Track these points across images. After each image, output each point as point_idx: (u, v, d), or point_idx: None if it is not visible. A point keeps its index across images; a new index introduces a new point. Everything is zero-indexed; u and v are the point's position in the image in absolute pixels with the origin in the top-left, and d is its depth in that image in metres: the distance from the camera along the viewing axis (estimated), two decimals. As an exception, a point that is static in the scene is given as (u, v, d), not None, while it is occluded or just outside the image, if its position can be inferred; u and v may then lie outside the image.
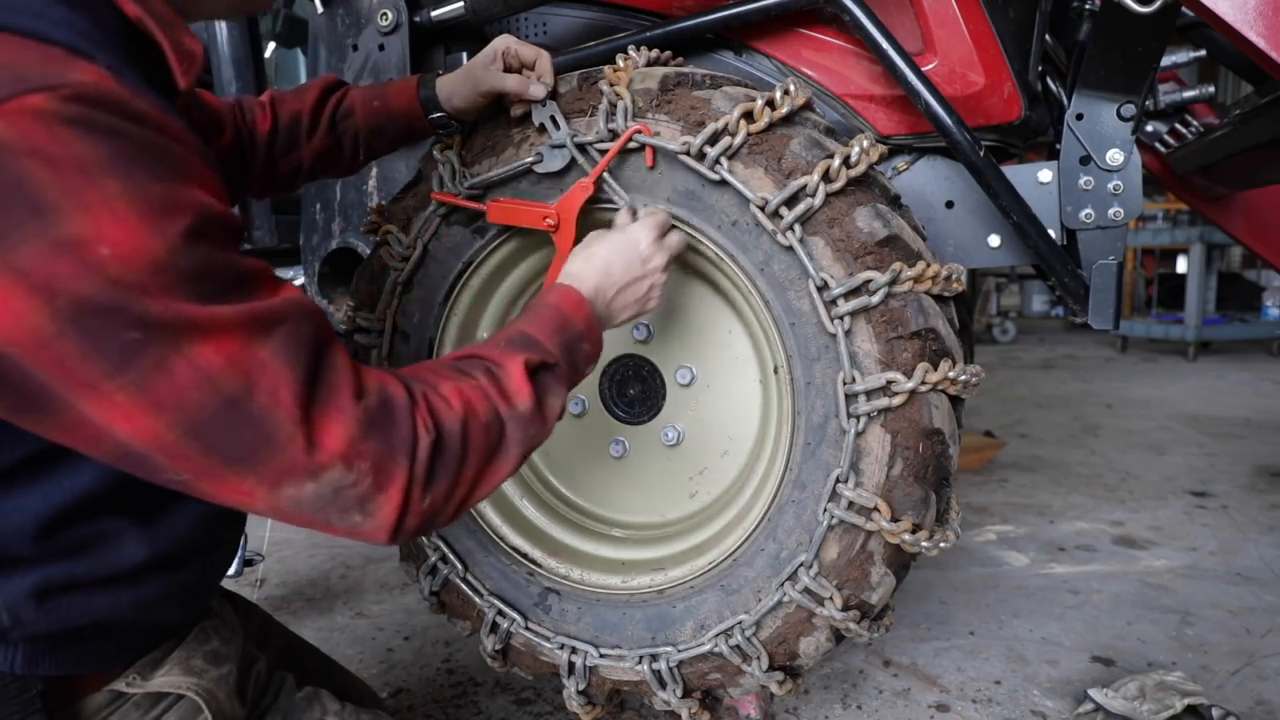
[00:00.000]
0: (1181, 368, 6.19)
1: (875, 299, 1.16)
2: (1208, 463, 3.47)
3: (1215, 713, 1.50)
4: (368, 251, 1.75)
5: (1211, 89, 2.02)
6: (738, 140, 1.18)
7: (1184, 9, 1.17)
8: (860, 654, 1.87)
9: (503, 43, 1.27)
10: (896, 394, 1.17)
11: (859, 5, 1.26)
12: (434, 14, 1.56)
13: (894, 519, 1.20)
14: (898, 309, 1.18)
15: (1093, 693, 1.59)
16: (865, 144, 1.21)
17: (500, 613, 1.42)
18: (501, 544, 1.46)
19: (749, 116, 1.19)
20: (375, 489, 0.73)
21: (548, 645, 1.40)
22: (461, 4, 1.51)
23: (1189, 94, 2.04)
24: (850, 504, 1.20)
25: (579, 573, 1.45)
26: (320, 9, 1.71)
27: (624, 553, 1.51)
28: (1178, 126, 2.12)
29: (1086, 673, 1.78)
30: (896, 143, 1.42)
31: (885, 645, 1.91)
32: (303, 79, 2.51)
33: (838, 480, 1.21)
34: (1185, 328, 6.46)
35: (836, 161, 1.18)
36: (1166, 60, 1.86)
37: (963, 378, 1.21)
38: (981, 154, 1.27)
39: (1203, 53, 1.94)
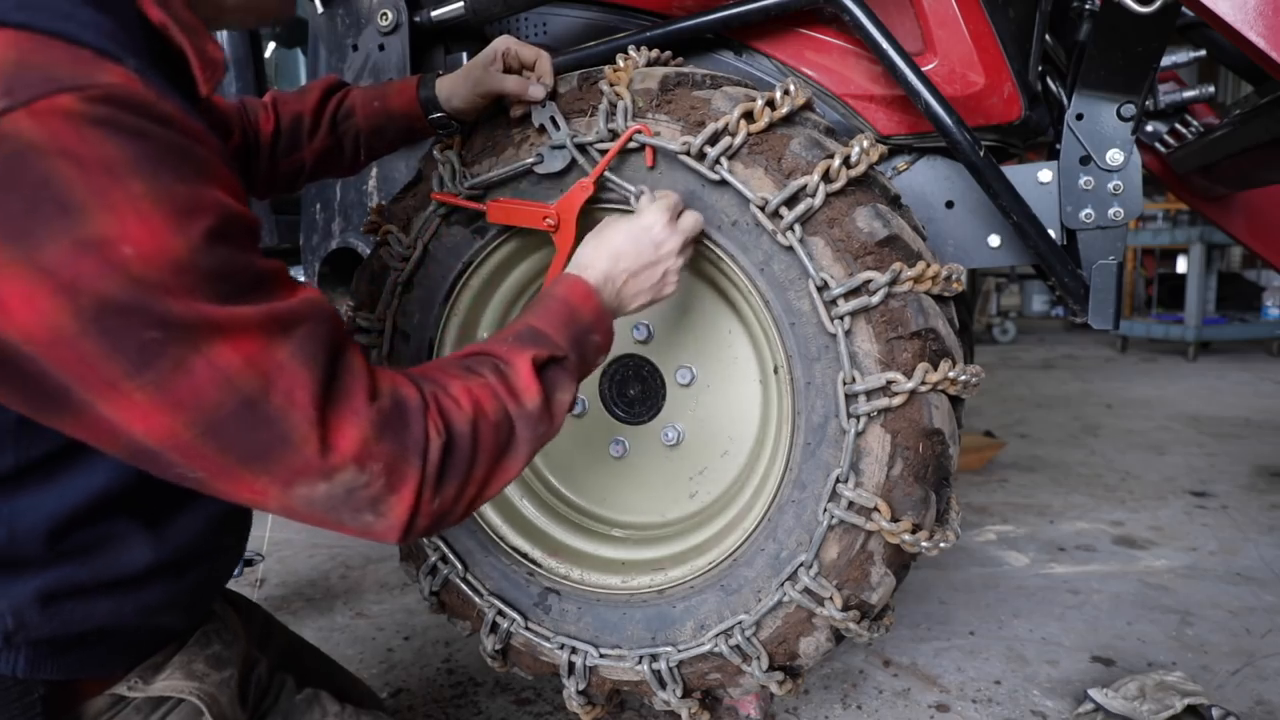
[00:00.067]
0: (1181, 368, 6.19)
1: (875, 299, 1.16)
2: (1208, 463, 3.47)
3: (1215, 713, 1.50)
4: (368, 251, 1.75)
5: (1211, 89, 2.02)
6: (738, 140, 1.18)
7: (1184, 9, 1.17)
8: (860, 654, 1.87)
9: (503, 43, 1.27)
10: (896, 394, 1.17)
11: (859, 5, 1.26)
12: (434, 14, 1.56)
13: (894, 519, 1.20)
14: (898, 309, 1.18)
15: (1093, 693, 1.59)
16: (865, 144, 1.21)
17: (500, 613, 1.42)
18: (501, 544, 1.46)
19: (749, 116, 1.19)
20: (387, 490, 0.74)
21: (548, 645, 1.40)
22: (461, 4, 1.51)
23: (1189, 94, 2.04)
24: (850, 504, 1.20)
25: (579, 573, 1.45)
26: (320, 9, 1.71)
27: (624, 553, 1.51)
28: (1178, 126, 2.12)
29: (1086, 673, 1.78)
30: (896, 143, 1.42)
31: (885, 645, 1.91)
32: (303, 79, 2.52)
33: (838, 480, 1.21)
34: (1185, 328, 6.46)
35: (836, 161, 1.18)
36: (1166, 60, 1.86)
37: (963, 378, 1.21)
38: (981, 154, 1.27)
39: (1203, 53, 1.94)
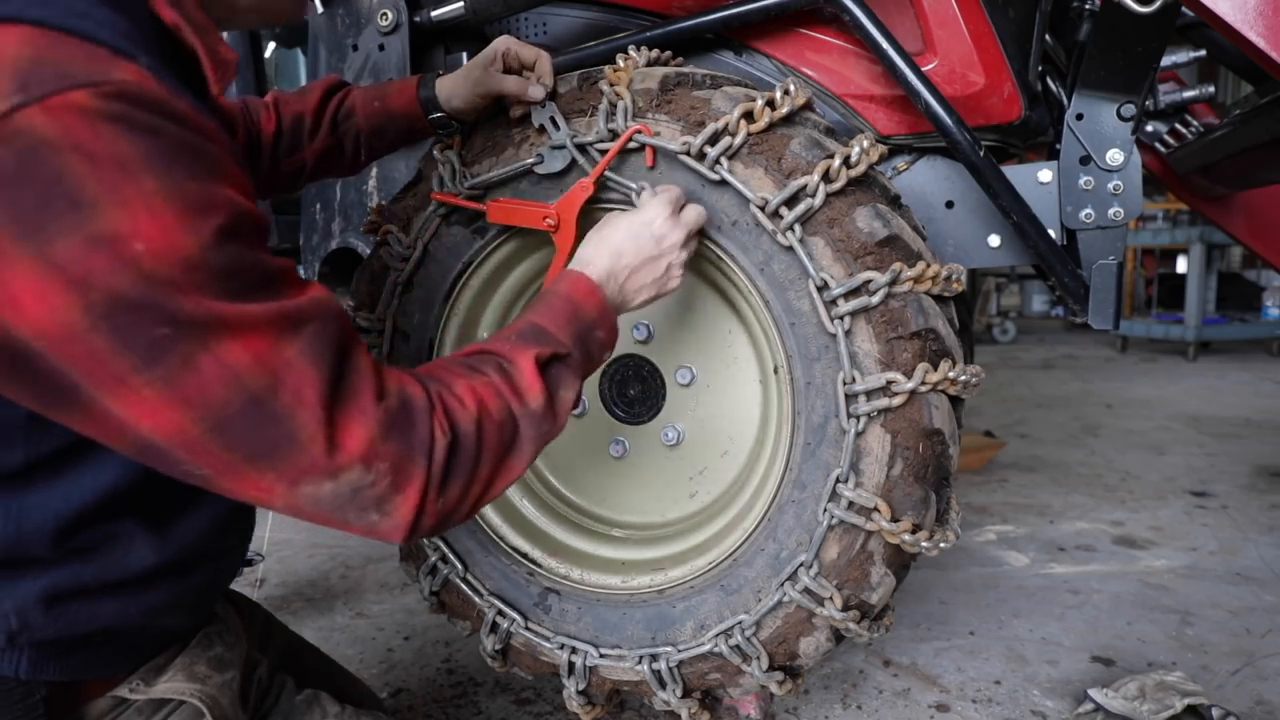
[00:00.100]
0: (1181, 368, 6.19)
1: (875, 299, 1.16)
2: (1208, 463, 3.47)
3: (1215, 713, 1.50)
4: (368, 251, 1.75)
5: (1211, 89, 2.03)
6: (738, 140, 1.18)
7: (1184, 9, 1.17)
8: (860, 654, 1.87)
9: (502, 43, 1.27)
10: (896, 394, 1.17)
11: (859, 5, 1.26)
12: (434, 14, 1.56)
13: (894, 519, 1.20)
14: (898, 309, 1.18)
15: (1093, 693, 1.59)
16: (865, 144, 1.21)
17: (500, 613, 1.42)
18: (501, 544, 1.46)
19: (749, 116, 1.19)
20: (393, 490, 0.74)
21: (548, 645, 1.40)
22: (461, 4, 1.51)
23: (1189, 94, 2.04)
24: (850, 504, 1.20)
25: (579, 573, 1.45)
26: (320, 9, 1.71)
27: (624, 553, 1.51)
28: (1178, 126, 2.12)
29: (1086, 673, 1.78)
30: (896, 143, 1.42)
31: (885, 645, 1.91)
32: (303, 79, 2.52)
33: (838, 480, 1.21)
34: (1185, 328, 6.46)
35: (836, 161, 1.18)
36: (1166, 60, 1.86)
37: (963, 378, 1.21)
38: (981, 154, 1.27)
39: (1203, 53, 1.94)
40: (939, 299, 1.25)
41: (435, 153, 1.37)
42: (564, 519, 1.56)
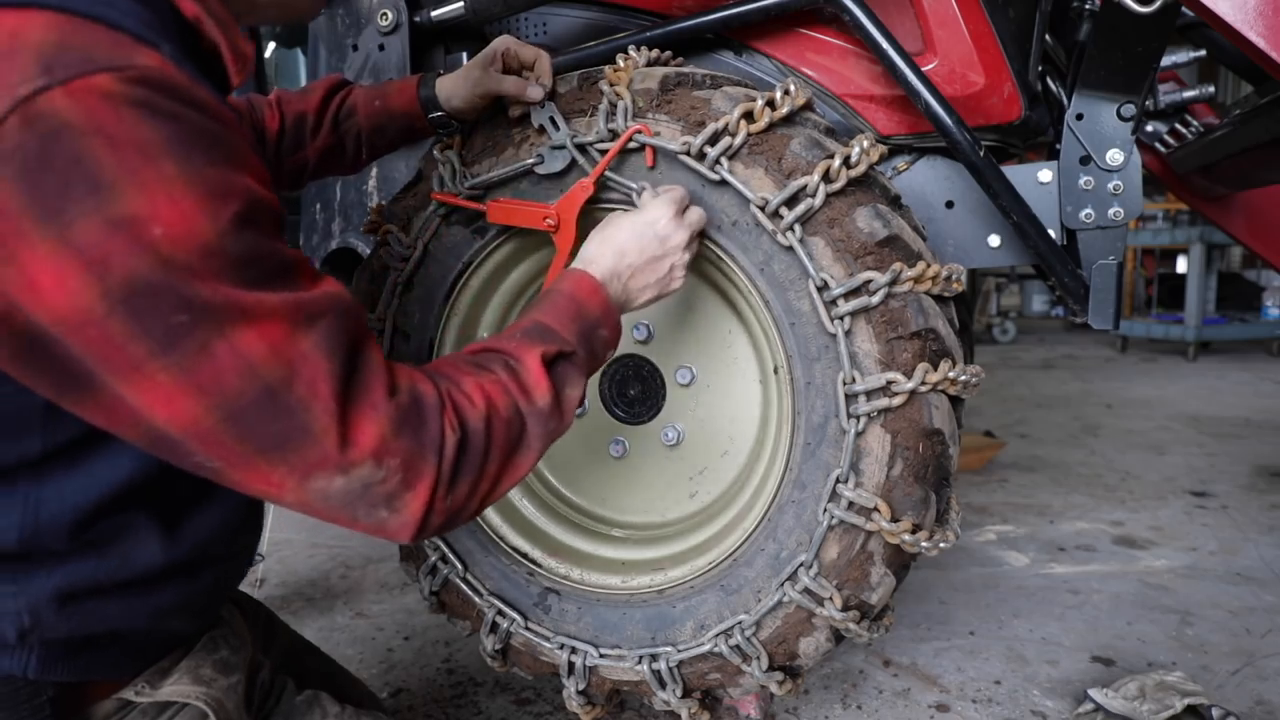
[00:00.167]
0: (1181, 368, 6.19)
1: (875, 299, 1.16)
2: (1208, 463, 3.47)
3: (1215, 713, 1.50)
4: (368, 251, 1.75)
5: (1211, 89, 2.03)
6: (738, 140, 1.18)
7: (1184, 9, 1.17)
8: (860, 654, 1.87)
9: (502, 43, 1.27)
10: (896, 394, 1.17)
11: (859, 5, 1.26)
12: (434, 14, 1.56)
13: (894, 519, 1.20)
14: (898, 309, 1.18)
15: (1093, 693, 1.59)
16: (865, 144, 1.21)
17: (500, 613, 1.42)
18: (501, 544, 1.46)
19: (749, 116, 1.19)
20: (403, 486, 0.74)
21: (547, 645, 1.40)
22: (461, 4, 1.51)
23: (1189, 94, 2.04)
24: (850, 504, 1.20)
25: (579, 573, 1.45)
26: (320, 9, 1.71)
27: (624, 553, 1.51)
28: (1178, 126, 2.12)
29: (1086, 673, 1.78)
30: (896, 143, 1.42)
31: (885, 645, 1.91)
32: (303, 79, 2.52)
33: (838, 480, 1.21)
34: (1185, 328, 6.46)
35: (837, 162, 1.18)
36: (1166, 60, 1.86)
37: (963, 378, 1.21)
38: (981, 154, 1.27)
39: (1203, 53, 1.94)
40: (939, 299, 1.25)
41: (435, 153, 1.37)
42: (564, 519, 1.56)
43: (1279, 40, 1.12)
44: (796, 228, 1.18)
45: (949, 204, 1.46)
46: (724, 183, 1.20)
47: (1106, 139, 1.38)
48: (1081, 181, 1.40)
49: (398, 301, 1.41)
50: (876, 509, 1.19)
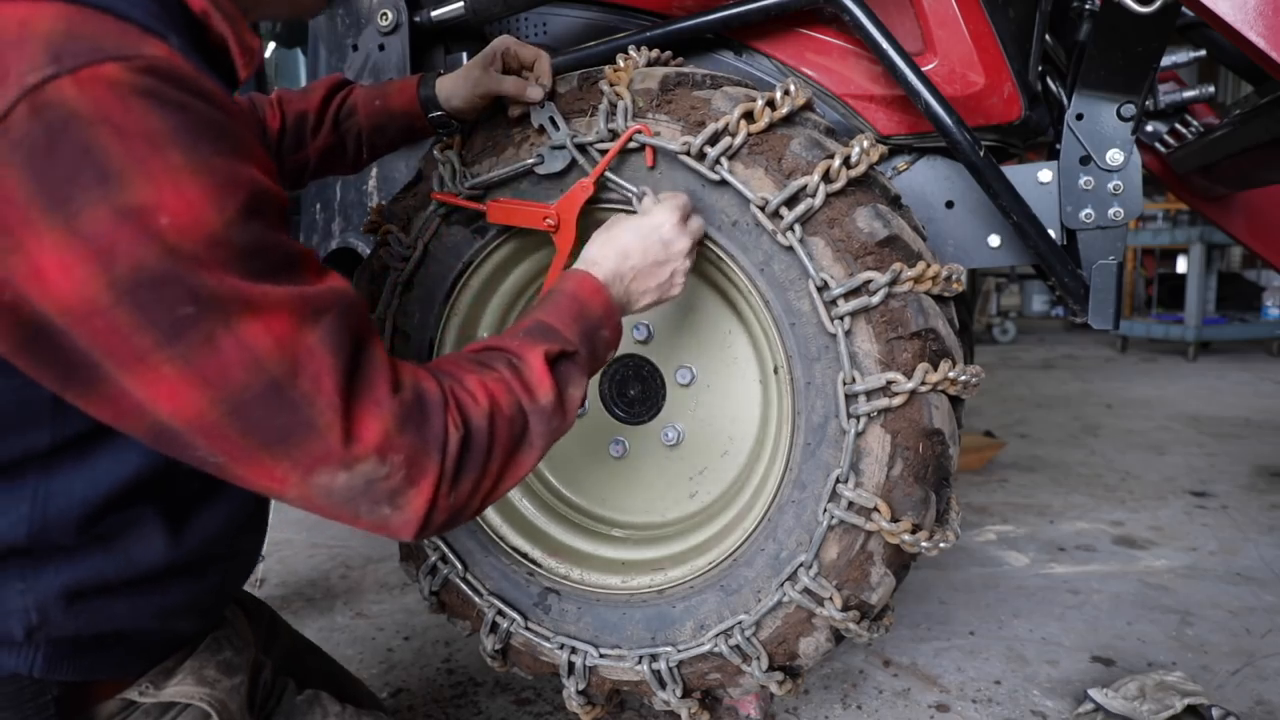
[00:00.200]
0: (1181, 368, 6.19)
1: (875, 299, 1.16)
2: (1208, 463, 3.47)
3: (1215, 713, 1.50)
4: (368, 251, 1.75)
5: (1211, 89, 2.03)
6: (738, 140, 1.18)
7: (1184, 9, 1.17)
8: (860, 654, 1.87)
9: (502, 44, 1.27)
10: (896, 394, 1.17)
11: (859, 5, 1.26)
12: (434, 14, 1.56)
13: (894, 519, 1.20)
14: (898, 309, 1.18)
15: (1093, 693, 1.59)
16: (865, 144, 1.21)
17: (500, 613, 1.42)
18: (501, 544, 1.46)
19: (749, 117, 1.19)
20: (407, 483, 0.74)
21: (547, 645, 1.40)
22: (461, 4, 1.51)
23: (1189, 94, 2.04)
24: (850, 504, 1.20)
25: (579, 573, 1.45)
26: (320, 9, 1.71)
27: (624, 553, 1.51)
28: (1178, 126, 2.12)
29: (1086, 673, 1.78)
30: (896, 143, 1.42)
31: (885, 645, 1.91)
32: (303, 79, 2.52)
33: (838, 480, 1.21)
34: (1185, 328, 6.46)
35: (837, 162, 1.18)
36: (1166, 60, 1.86)
37: (963, 378, 1.21)
38: (981, 154, 1.27)
39: (1203, 53, 1.94)
40: (939, 299, 1.25)
41: (435, 153, 1.37)
42: (564, 519, 1.56)
43: (1279, 40, 1.12)
44: (796, 228, 1.18)
45: (949, 204, 1.46)
46: (724, 183, 1.20)
47: (1106, 139, 1.38)
48: (1081, 181, 1.40)
49: (398, 301, 1.41)
50: (876, 509, 1.19)
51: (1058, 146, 1.42)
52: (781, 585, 1.25)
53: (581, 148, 1.26)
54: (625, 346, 1.49)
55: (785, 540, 1.26)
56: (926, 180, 1.46)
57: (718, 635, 1.29)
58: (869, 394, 1.18)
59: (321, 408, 0.68)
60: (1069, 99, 1.40)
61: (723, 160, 1.19)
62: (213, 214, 0.63)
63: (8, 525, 0.75)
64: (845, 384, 1.19)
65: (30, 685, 0.79)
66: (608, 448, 1.54)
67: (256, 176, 0.68)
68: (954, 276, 1.24)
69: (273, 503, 1.00)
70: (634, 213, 1.22)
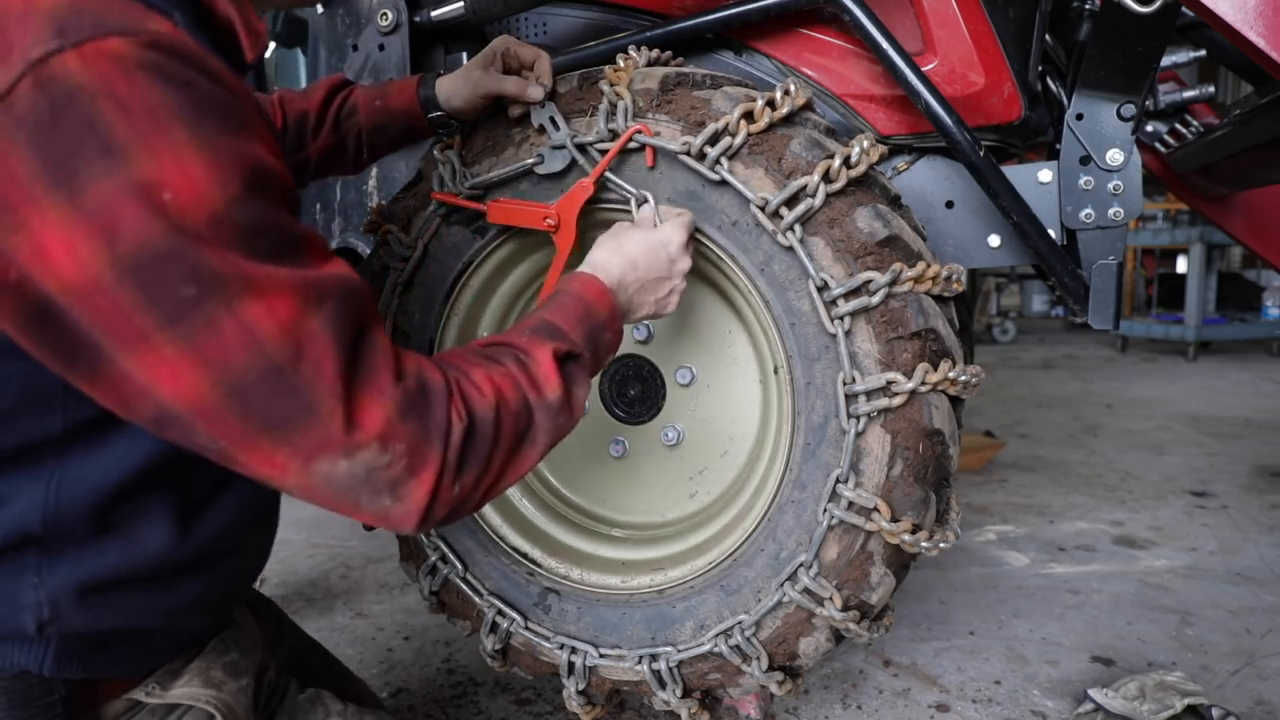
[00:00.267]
0: (1181, 368, 6.19)
1: (875, 299, 1.16)
2: (1208, 463, 3.47)
3: (1215, 713, 1.50)
4: (368, 251, 1.75)
5: (1211, 89, 2.03)
6: (738, 140, 1.18)
7: (1184, 9, 1.17)
8: (860, 654, 1.87)
9: (501, 44, 1.27)
10: (896, 394, 1.17)
11: (859, 5, 1.26)
12: (434, 14, 1.56)
13: (894, 519, 1.20)
14: (898, 309, 1.18)
15: (1093, 693, 1.59)
16: (865, 144, 1.21)
17: (500, 612, 1.42)
18: (501, 544, 1.46)
19: (749, 117, 1.19)
20: (408, 473, 0.73)
21: (547, 645, 1.40)
22: (461, 4, 1.51)
23: (1189, 94, 2.04)
24: (850, 504, 1.20)
25: (579, 573, 1.45)
26: (320, 9, 1.71)
27: (624, 553, 1.51)
28: (1178, 126, 2.12)
29: (1086, 673, 1.78)
30: (896, 143, 1.42)
31: (885, 645, 1.91)
32: (303, 79, 2.52)
33: (838, 480, 1.21)
34: (1185, 328, 6.46)
35: (837, 162, 1.18)
36: (1166, 60, 1.86)
37: (963, 378, 1.21)
38: (981, 154, 1.27)
39: (1203, 53, 1.94)
40: (939, 299, 1.25)
41: (435, 153, 1.37)
42: (564, 519, 1.56)
43: (1279, 40, 1.12)
44: (796, 228, 1.18)
45: (949, 204, 1.46)
46: (724, 183, 1.20)
47: (1106, 139, 1.38)
48: (1081, 181, 1.40)
49: (398, 301, 1.41)
50: (876, 509, 1.19)
51: (1058, 146, 1.42)
52: (781, 585, 1.25)
53: (581, 148, 1.26)
54: (625, 346, 1.49)
55: (785, 540, 1.26)
56: (926, 180, 1.46)
57: (718, 635, 1.29)
58: (869, 394, 1.18)
59: (323, 393, 0.68)
60: (1069, 99, 1.40)
61: (723, 160, 1.19)
62: (216, 191, 0.63)
63: (23, 511, 0.75)
64: (845, 384, 1.19)
65: (39, 684, 0.79)
66: (608, 448, 1.54)
67: (261, 155, 0.67)
68: (954, 276, 1.24)
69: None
70: (629, 214, 1.23)
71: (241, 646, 0.98)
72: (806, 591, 1.24)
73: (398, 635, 2.01)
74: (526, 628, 1.41)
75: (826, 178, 1.17)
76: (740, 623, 1.28)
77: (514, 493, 1.55)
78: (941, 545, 1.25)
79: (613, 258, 1.07)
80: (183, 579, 0.85)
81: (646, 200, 1.21)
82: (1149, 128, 2.14)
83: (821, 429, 1.23)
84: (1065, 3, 1.58)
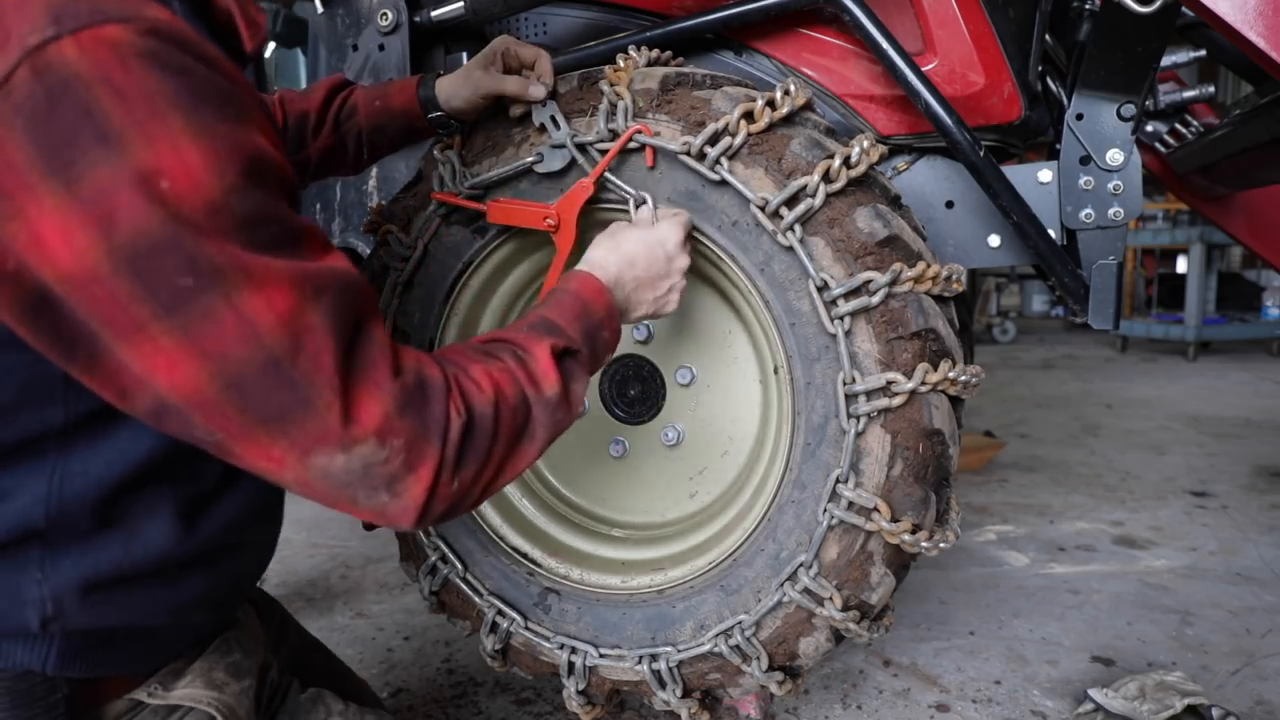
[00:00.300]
0: (1181, 368, 6.19)
1: (875, 299, 1.16)
2: (1208, 463, 3.47)
3: (1215, 713, 1.50)
4: (368, 251, 1.75)
5: (1211, 89, 2.03)
6: (738, 140, 1.18)
7: (1184, 9, 1.17)
8: (860, 654, 1.87)
9: (502, 43, 1.27)
10: (896, 394, 1.17)
11: (859, 5, 1.26)
12: (434, 14, 1.56)
13: (894, 519, 1.20)
14: (898, 309, 1.18)
15: (1093, 693, 1.59)
16: (865, 144, 1.21)
17: (500, 612, 1.42)
18: (501, 544, 1.46)
19: (749, 117, 1.19)
20: (406, 468, 0.72)
21: (547, 645, 1.40)
22: (461, 4, 1.51)
23: (1189, 94, 2.04)
24: (850, 504, 1.20)
25: (579, 573, 1.45)
26: (320, 9, 1.71)
27: (624, 553, 1.51)
28: (1178, 126, 2.12)
29: (1086, 673, 1.78)
30: (896, 143, 1.42)
31: (885, 645, 1.91)
32: (303, 79, 2.52)
33: (838, 480, 1.21)
34: (1185, 328, 6.46)
35: (837, 162, 1.18)
36: (1166, 60, 1.86)
37: (963, 378, 1.21)
38: (981, 154, 1.27)
39: (1203, 53, 1.94)
40: (939, 299, 1.25)
41: (435, 152, 1.37)
42: (564, 519, 1.56)
43: (1279, 40, 1.12)
44: (796, 228, 1.18)
45: (949, 204, 1.46)
46: (724, 183, 1.20)
47: (1106, 139, 1.38)
48: (1081, 181, 1.40)
49: (398, 301, 1.41)
50: (876, 509, 1.19)
51: (1058, 146, 1.42)
52: (781, 585, 1.25)
53: (581, 147, 1.26)
54: (625, 346, 1.49)
55: (785, 540, 1.26)
56: (926, 180, 1.46)
57: (718, 635, 1.29)
58: (869, 394, 1.18)
59: (320, 387, 0.67)
60: (1069, 99, 1.40)
61: (723, 160, 1.19)
62: (213, 180, 0.62)
63: (25, 505, 0.75)
64: (845, 384, 1.19)
65: (42, 683, 0.78)
66: (608, 448, 1.54)
67: (260, 144, 0.67)
68: (954, 276, 1.24)
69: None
70: (628, 214, 1.23)
71: (244, 646, 0.97)
72: (806, 591, 1.24)
73: (398, 635, 2.01)
74: (526, 628, 1.41)
75: (826, 178, 1.17)
76: (740, 623, 1.28)
77: (514, 492, 1.55)
78: (941, 545, 1.25)
79: (610, 256, 1.07)
80: (187, 575, 0.85)
81: (645, 201, 1.21)
82: (1149, 128, 2.14)
83: (821, 429, 1.23)
84: (1065, 3, 1.58)
